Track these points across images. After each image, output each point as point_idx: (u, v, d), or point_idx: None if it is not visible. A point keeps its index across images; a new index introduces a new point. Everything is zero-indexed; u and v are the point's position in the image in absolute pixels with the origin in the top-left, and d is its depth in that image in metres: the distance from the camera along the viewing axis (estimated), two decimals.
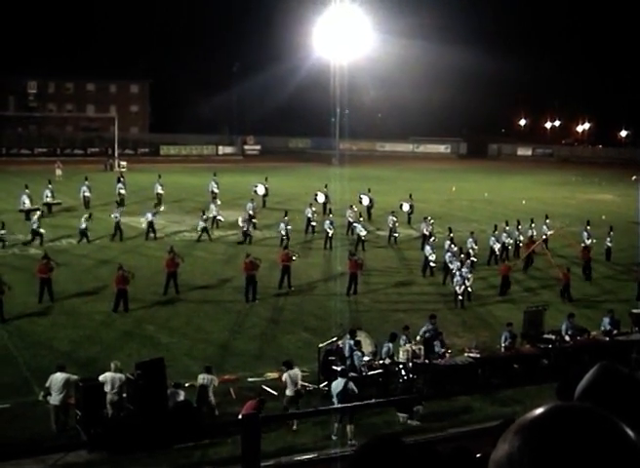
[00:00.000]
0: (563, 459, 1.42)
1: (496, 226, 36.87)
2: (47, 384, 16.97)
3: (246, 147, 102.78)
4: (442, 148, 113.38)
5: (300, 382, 17.65)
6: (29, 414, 17.31)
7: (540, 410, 1.51)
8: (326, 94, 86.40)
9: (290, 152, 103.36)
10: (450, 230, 35.10)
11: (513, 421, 1.59)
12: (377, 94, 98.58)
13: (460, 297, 27.95)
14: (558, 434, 1.44)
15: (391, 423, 17.41)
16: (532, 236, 36.66)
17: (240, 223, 39.15)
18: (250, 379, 19.90)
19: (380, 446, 2.49)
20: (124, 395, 17.06)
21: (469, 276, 28.33)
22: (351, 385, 16.96)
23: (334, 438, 16.48)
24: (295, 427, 16.72)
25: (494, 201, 57.34)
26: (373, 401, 17.04)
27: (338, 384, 16.95)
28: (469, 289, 28.23)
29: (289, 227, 37.53)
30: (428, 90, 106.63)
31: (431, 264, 32.35)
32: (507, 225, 37.13)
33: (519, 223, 37.58)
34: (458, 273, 28.57)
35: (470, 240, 34.36)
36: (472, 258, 31.76)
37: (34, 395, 17.96)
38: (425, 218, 39.03)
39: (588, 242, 36.90)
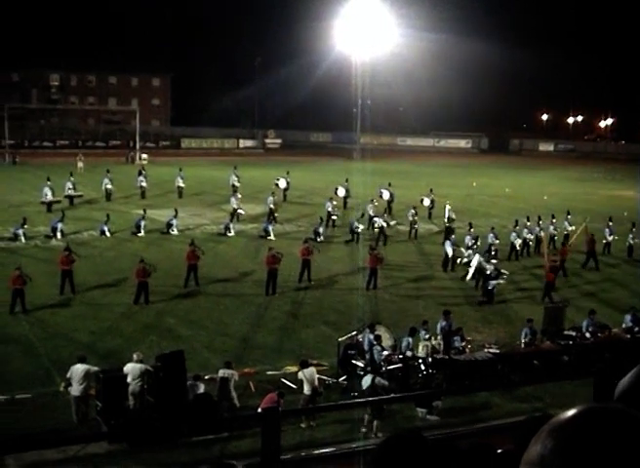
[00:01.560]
0: (595, 462, 1.41)
1: (517, 221, 36.79)
2: (68, 375, 17.09)
3: (267, 141, 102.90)
4: (463, 143, 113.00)
5: (316, 380, 17.62)
6: (50, 405, 17.42)
7: (572, 411, 1.50)
8: (347, 88, 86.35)
9: (311, 146, 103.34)
10: (470, 225, 35.03)
11: (537, 419, 1.58)
12: (398, 88, 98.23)
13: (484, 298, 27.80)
14: (590, 436, 1.43)
15: (410, 418, 17.40)
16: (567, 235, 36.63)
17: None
18: (269, 372, 19.91)
19: (403, 441, 2.49)
20: (146, 386, 17.14)
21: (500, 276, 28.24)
22: (380, 380, 16.97)
23: (363, 430, 16.51)
24: (312, 423, 16.72)
25: (515, 196, 57.09)
26: (392, 396, 17.02)
27: (366, 380, 17.00)
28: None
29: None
30: (450, 84, 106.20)
31: (458, 261, 32.09)
32: (528, 221, 36.99)
33: (540, 219, 37.41)
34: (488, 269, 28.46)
35: (491, 235, 34.23)
36: (493, 253, 31.73)
37: (55, 386, 18.10)
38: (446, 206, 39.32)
39: (610, 238, 36.73)
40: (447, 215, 39.41)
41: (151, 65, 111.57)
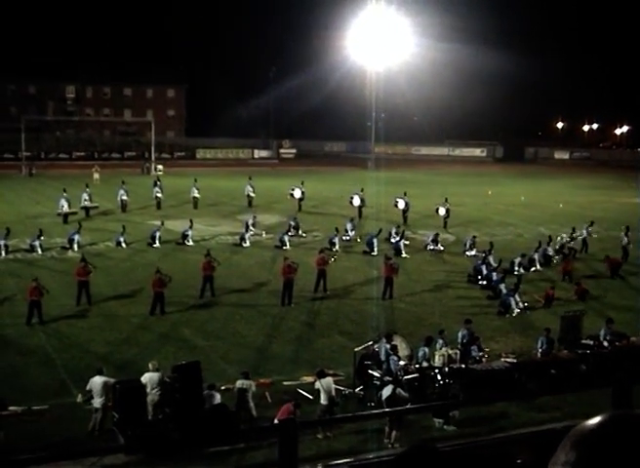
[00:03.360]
0: None
1: (540, 243, 36.11)
2: (87, 388, 17.15)
3: (281, 151, 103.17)
4: (478, 152, 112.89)
5: (333, 390, 17.58)
6: (67, 416, 17.44)
7: (596, 420, 1.48)
8: (362, 97, 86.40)
9: (325, 156, 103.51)
10: (491, 246, 34.59)
11: (556, 430, 1.56)
12: (412, 97, 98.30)
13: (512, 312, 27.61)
14: (615, 444, 1.42)
15: (427, 428, 17.32)
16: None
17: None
18: (285, 383, 19.87)
19: (419, 454, 2.47)
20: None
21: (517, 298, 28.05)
22: (400, 392, 16.92)
23: (385, 441, 16.44)
24: (329, 434, 16.65)
25: (530, 205, 56.90)
26: (408, 406, 16.94)
27: (387, 390, 16.94)
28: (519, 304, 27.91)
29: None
30: (464, 93, 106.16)
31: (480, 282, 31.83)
32: (550, 240, 36.48)
33: (574, 231, 37.28)
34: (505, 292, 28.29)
35: (518, 259, 33.78)
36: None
37: (72, 397, 18.12)
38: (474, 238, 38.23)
39: (627, 244, 36.57)
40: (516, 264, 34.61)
41: (166, 77, 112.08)
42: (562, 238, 37.59)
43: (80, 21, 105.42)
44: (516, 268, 32.90)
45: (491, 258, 32.73)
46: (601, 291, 30.70)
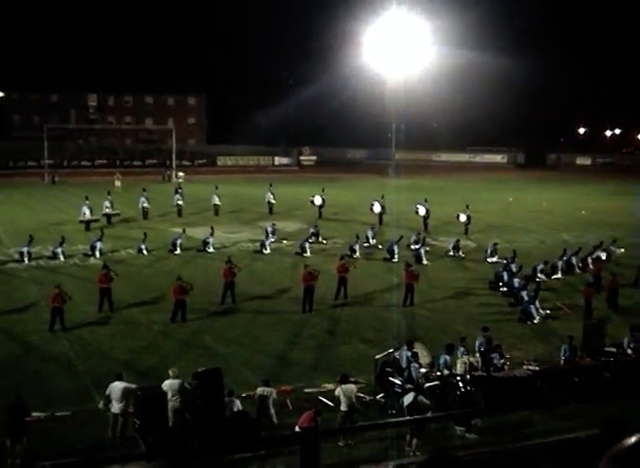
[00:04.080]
0: None
1: (565, 251, 35.96)
2: (107, 393, 17.21)
3: (302, 158, 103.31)
4: (499, 158, 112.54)
5: (354, 397, 17.53)
6: (90, 422, 17.52)
7: (632, 440, 1.47)
8: (382, 104, 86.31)
9: (346, 163, 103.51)
10: (514, 253, 34.44)
11: (579, 439, 1.55)
12: (432, 103, 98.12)
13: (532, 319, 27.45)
14: None
15: (448, 436, 17.25)
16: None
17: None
18: (306, 390, 19.86)
19: (441, 463, 2.46)
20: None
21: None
22: (422, 399, 16.86)
23: (407, 449, 16.37)
24: (350, 442, 16.61)
25: (552, 211, 56.63)
26: (432, 414, 16.88)
27: (408, 397, 16.90)
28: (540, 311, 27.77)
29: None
30: (485, 99, 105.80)
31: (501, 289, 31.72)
32: (579, 251, 36.17)
33: (614, 241, 37.08)
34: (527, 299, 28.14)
35: (541, 266, 33.67)
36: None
37: (94, 403, 18.21)
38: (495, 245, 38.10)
39: None
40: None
41: (186, 85, 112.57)
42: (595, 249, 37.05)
43: (101, 31, 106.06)
44: (538, 275, 32.75)
45: (513, 266, 32.60)
46: (626, 299, 30.41)
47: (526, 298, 28.08)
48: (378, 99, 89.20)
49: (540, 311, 27.52)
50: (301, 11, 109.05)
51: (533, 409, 18.21)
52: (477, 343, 21.47)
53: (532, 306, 27.36)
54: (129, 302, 28.30)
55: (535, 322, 26.96)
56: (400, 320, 26.88)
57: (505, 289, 30.76)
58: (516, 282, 30.33)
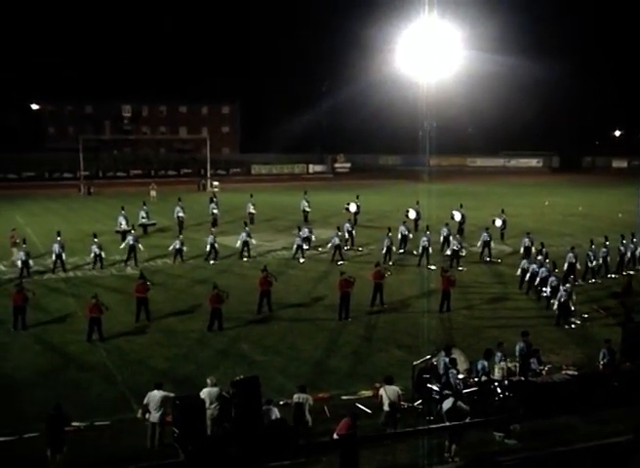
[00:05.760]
0: None
1: (592, 241, 35.89)
2: (145, 401, 17.30)
3: (336, 165, 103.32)
4: (534, 162, 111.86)
5: (397, 398, 17.55)
6: (129, 431, 17.62)
7: None
8: (415, 110, 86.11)
9: (380, 169, 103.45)
10: (542, 245, 34.49)
11: (620, 443, 1.55)
12: (466, 108, 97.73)
13: (558, 313, 27.36)
14: None
15: (487, 442, 17.14)
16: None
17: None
18: (343, 397, 19.86)
19: (480, 467, 2.46)
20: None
21: (571, 294, 27.69)
22: (461, 405, 16.80)
23: (446, 455, 16.32)
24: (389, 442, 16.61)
25: (588, 215, 56.14)
26: (471, 420, 16.78)
27: (447, 403, 16.85)
28: (572, 307, 27.58)
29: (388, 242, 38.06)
30: (519, 103, 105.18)
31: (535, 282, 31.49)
32: (607, 240, 35.92)
33: (623, 238, 36.62)
34: (561, 288, 27.91)
35: (571, 255, 33.56)
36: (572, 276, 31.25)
37: (133, 412, 18.32)
38: (528, 234, 38.33)
39: None
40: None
41: (220, 94, 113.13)
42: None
43: (136, 42, 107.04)
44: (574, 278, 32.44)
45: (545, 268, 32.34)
46: None
47: (562, 301, 27.70)
48: (411, 105, 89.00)
49: (577, 315, 27.37)
50: (334, 18, 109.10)
51: (571, 414, 18.03)
52: (517, 348, 21.33)
53: (570, 301, 27.24)
54: (165, 312, 28.48)
55: (572, 326, 26.73)
56: (437, 326, 26.82)
57: (548, 291, 30.15)
58: (556, 283, 29.97)
